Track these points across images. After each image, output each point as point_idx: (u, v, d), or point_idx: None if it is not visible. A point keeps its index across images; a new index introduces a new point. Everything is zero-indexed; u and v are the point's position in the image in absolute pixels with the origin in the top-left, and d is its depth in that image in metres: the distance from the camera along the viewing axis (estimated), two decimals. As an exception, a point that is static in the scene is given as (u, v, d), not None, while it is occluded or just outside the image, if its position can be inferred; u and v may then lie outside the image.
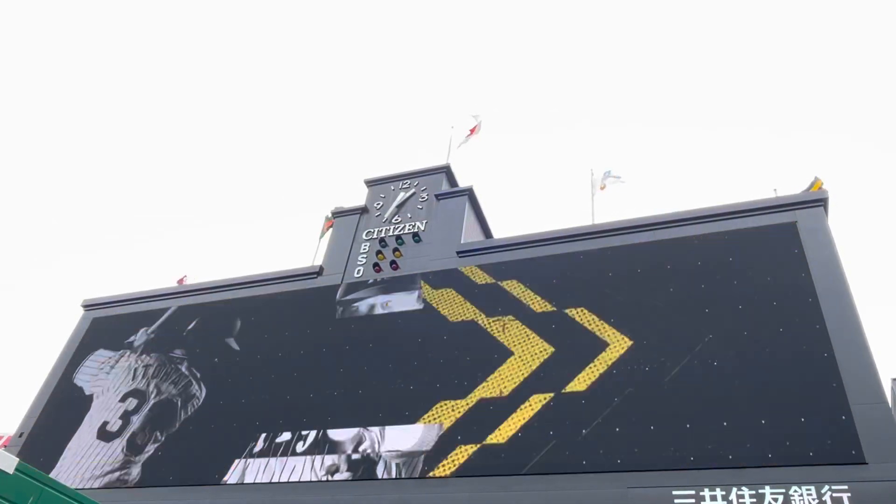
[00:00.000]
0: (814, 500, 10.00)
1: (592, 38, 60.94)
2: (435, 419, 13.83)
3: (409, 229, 18.39)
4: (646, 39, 58.36)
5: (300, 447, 14.64)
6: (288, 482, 14.13)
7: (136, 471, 16.09)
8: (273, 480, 14.32)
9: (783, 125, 54.57)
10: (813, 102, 55.98)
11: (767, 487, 10.35)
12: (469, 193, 18.91)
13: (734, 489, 10.50)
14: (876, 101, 51.34)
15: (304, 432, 14.88)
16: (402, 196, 19.52)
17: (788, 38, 53.73)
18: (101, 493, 15.44)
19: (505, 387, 13.66)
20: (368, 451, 13.94)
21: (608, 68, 60.88)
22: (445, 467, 12.98)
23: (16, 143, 57.63)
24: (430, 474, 12.99)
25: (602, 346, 13.41)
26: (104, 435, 17.32)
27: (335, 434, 14.55)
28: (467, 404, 13.77)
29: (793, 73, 54.25)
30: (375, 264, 17.74)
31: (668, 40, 58.15)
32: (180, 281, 21.49)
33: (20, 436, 18.46)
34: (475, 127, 21.31)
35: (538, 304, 14.78)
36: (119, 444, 16.85)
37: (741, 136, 54.42)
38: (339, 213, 20.10)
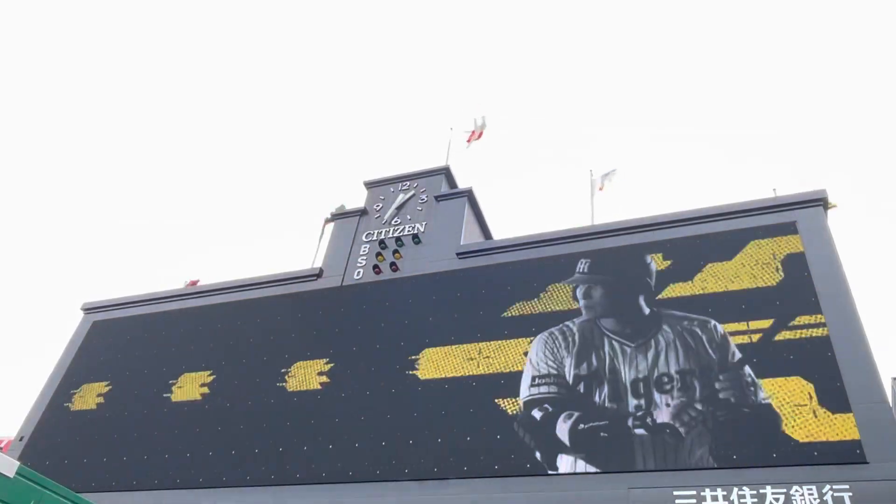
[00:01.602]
0: (815, 499, 9.99)
1: (591, 38, 61.03)
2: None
3: (408, 231, 18.40)
4: (645, 39, 58.44)
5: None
6: (288, 484, 14.13)
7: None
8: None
9: (783, 125, 54.62)
10: (813, 102, 56.05)
11: (769, 487, 10.34)
12: (468, 195, 18.92)
13: (735, 489, 10.50)
14: (876, 100, 51.39)
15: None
16: (401, 198, 19.53)
17: (788, 36, 53.80)
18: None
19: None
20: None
21: (607, 68, 60.97)
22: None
23: (16, 144, 57.67)
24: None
25: (602, 345, 13.43)
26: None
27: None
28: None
29: (793, 73, 54.32)
30: (375, 266, 17.75)
31: (667, 40, 58.24)
32: (192, 283, 21.36)
33: (20, 439, 18.43)
34: (476, 132, 21.23)
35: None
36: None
37: (740, 136, 54.47)
38: (338, 216, 20.10)
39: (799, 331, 12.08)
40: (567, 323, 14.20)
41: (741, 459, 10.92)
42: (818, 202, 13.93)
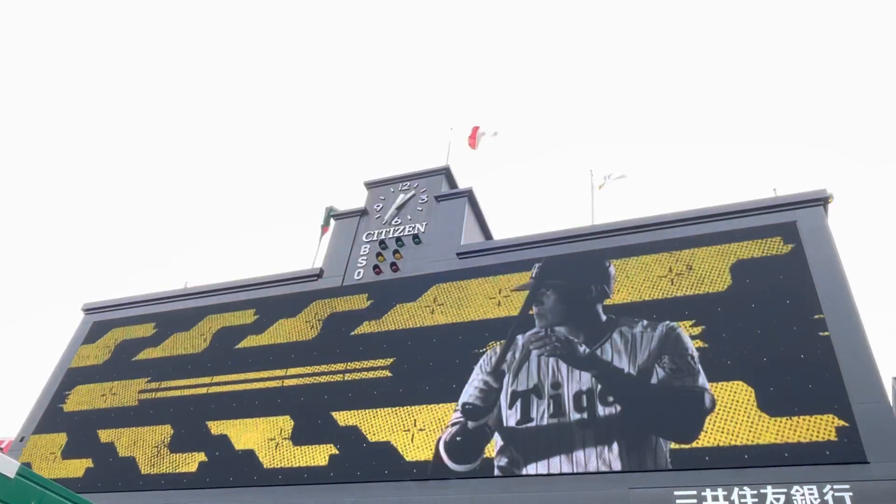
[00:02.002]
0: (815, 499, 9.99)
1: (590, 39, 61.03)
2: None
3: (408, 231, 18.39)
4: (644, 40, 58.46)
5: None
6: (287, 485, 14.14)
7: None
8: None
9: (782, 124, 54.62)
10: (813, 102, 56.05)
11: (769, 487, 10.34)
12: (469, 195, 18.91)
13: (735, 489, 10.49)
14: (875, 99, 51.39)
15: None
16: (401, 198, 19.52)
17: (787, 38, 53.81)
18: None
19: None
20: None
21: (607, 69, 60.98)
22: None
23: (16, 145, 57.69)
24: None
25: (599, 346, 13.42)
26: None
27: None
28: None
29: (792, 72, 54.32)
30: (375, 266, 17.74)
31: (667, 40, 58.25)
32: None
33: (21, 440, 18.46)
34: (485, 136, 21.18)
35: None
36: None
37: (740, 136, 54.48)
38: (338, 216, 20.11)
39: (798, 331, 12.08)
40: (518, 336, 14.22)
41: (741, 459, 10.91)
42: (818, 202, 13.92)
